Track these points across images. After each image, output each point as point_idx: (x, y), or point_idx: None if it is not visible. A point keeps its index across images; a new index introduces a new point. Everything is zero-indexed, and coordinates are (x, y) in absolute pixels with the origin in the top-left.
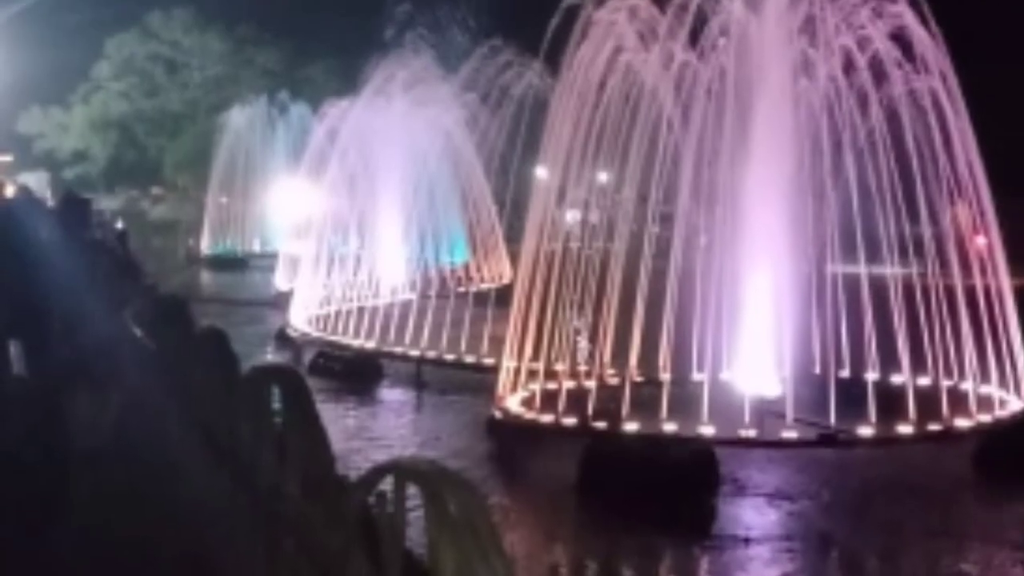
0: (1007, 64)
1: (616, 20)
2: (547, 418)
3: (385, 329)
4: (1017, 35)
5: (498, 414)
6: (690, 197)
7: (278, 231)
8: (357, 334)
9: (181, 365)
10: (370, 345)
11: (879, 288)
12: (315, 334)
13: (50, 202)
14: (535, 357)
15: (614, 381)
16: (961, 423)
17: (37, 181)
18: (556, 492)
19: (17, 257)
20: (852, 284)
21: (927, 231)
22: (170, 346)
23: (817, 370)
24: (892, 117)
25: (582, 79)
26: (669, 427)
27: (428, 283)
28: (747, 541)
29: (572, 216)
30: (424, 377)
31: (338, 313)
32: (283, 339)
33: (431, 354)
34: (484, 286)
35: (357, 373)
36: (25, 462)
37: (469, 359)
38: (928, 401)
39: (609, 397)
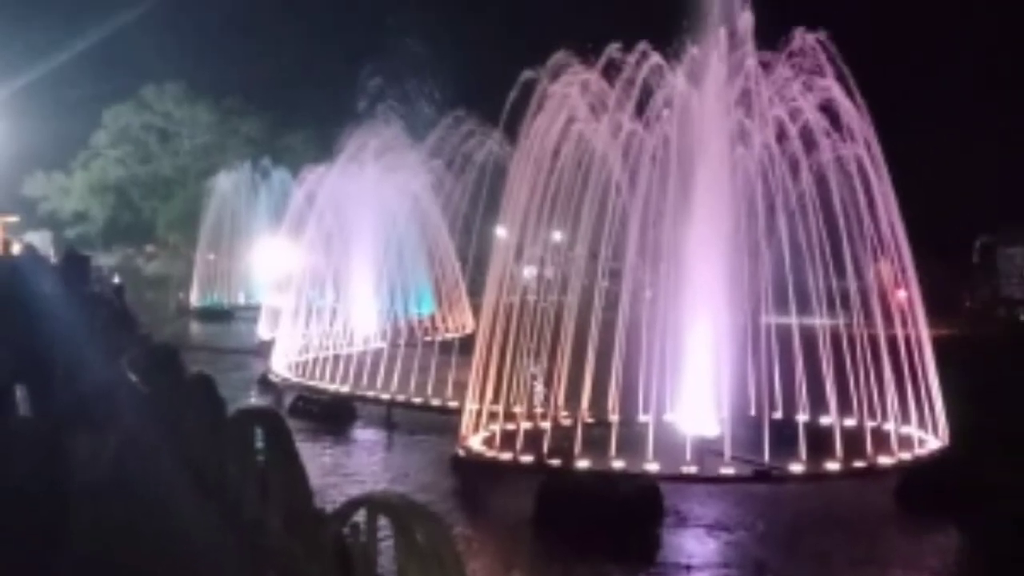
0: (927, 134)
1: (569, 93)
2: (506, 456)
3: (358, 375)
4: (935, 107)
5: (462, 452)
6: (637, 254)
7: (261, 285)
8: (333, 379)
9: (173, 408)
10: (345, 389)
11: (809, 337)
12: (295, 379)
13: (53, 259)
14: (495, 400)
15: (567, 422)
16: (884, 461)
17: (41, 240)
18: (515, 524)
19: (23, 309)
20: (784, 334)
21: (853, 285)
22: (163, 391)
23: (752, 412)
24: (821, 181)
25: (538, 147)
26: (618, 464)
27: (398, 333)
28: (689, 568)
29: (529, 271)
30: (394, 419)
31: (316, 360)
32: (265, 384)
33: (400, 398)
34: (449, 335)
35: (333, 415)
36: (30, 495)
37: (435, 402)
38: (854, 440)
39: (563, 437)
